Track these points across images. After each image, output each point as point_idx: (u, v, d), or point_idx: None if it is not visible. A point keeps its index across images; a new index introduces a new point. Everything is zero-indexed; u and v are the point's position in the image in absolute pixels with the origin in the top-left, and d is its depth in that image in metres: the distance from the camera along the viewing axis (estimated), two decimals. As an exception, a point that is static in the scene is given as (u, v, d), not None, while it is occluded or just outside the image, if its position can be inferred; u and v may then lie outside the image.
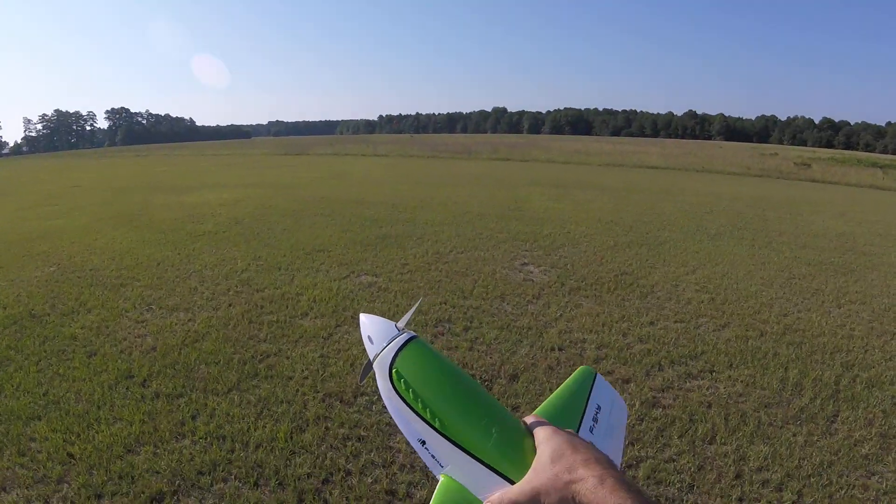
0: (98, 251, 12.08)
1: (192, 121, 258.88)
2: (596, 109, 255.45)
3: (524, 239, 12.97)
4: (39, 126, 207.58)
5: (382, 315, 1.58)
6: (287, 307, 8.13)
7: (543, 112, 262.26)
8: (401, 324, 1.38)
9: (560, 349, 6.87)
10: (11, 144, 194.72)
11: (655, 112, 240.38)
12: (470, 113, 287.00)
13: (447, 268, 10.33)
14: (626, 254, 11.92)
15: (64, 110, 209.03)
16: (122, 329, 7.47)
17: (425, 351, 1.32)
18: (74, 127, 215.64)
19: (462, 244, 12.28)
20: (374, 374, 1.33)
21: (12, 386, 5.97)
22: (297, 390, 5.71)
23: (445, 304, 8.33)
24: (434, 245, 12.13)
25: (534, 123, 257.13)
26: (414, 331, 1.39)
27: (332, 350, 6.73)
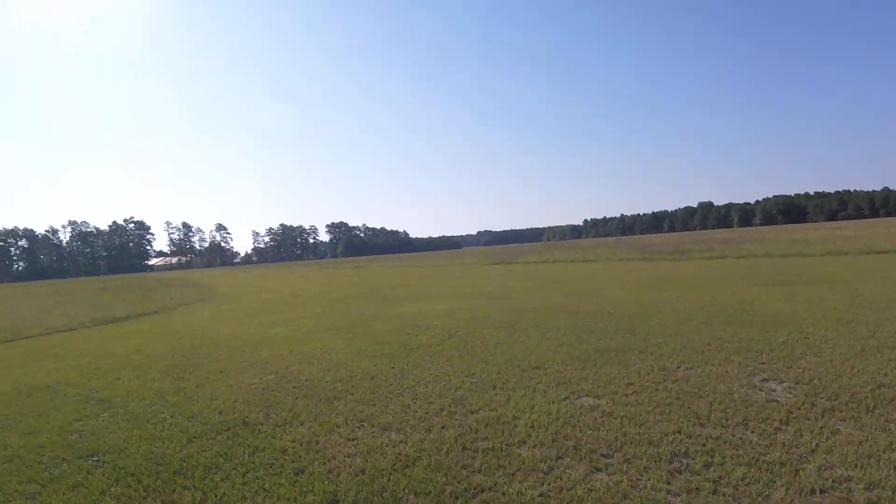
0: (315, 361, 12.53)
1: (405, 233, 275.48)
2: (807, 194, 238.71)
3: (758, 349, 11.56)
4: (267, 238, 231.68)
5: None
6: (503, 433, 7.64)
7: (752, 202, 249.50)
8: None
9: (822, 491, 5.70)
10: (242, 254, 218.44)
11: (870, 189, 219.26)
12: (675, 210, 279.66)
13: (677, 387, 9.33)
14: (878, 360, 10.12)
15: (289, 224, 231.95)
16: (332, 446, 7.39)
17: None
18: (299, 239, 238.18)
19: (690, 357, 11.18)
20: None
21: (216, 496, 6.03)
22: (516, 536, 5.15)
23: (679, 433, 7.37)
24: (659, 359, 11.15)
25: (743, 215, 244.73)
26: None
27: (554, 488, 6.09)
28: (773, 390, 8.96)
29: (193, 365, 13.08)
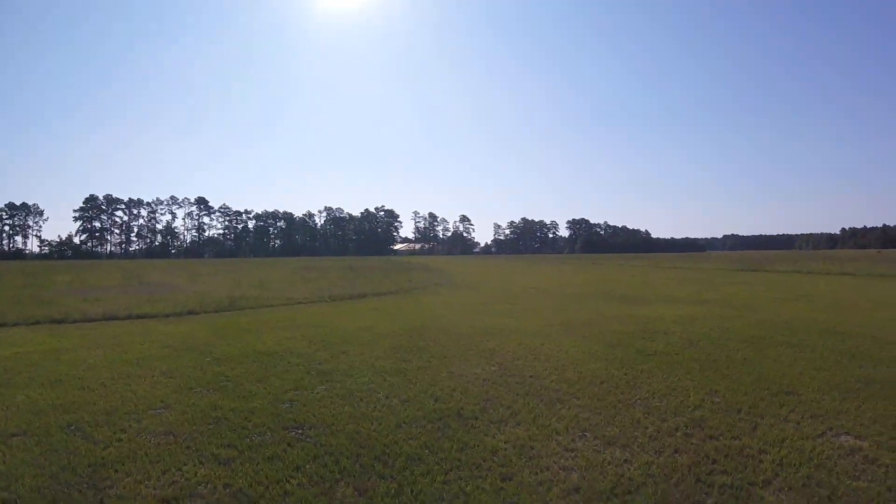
0: (542, 358, 11.90)
1: (647, 233, 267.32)
2: None
3: None
4: (507, 231, 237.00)
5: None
6: (745, 468, 6.40)
7: None
8: None
9: None
10: (482, 245, 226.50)
11: None
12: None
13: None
14: None
15: (530, 219, 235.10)
16: (548, 454, 6.66)
17: None
18: (538, 234, 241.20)
19: None
20: None
21: (412, 491, 5.67)
22: None
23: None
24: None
25: None
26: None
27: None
28: None
29: (419, 347, 13.06)
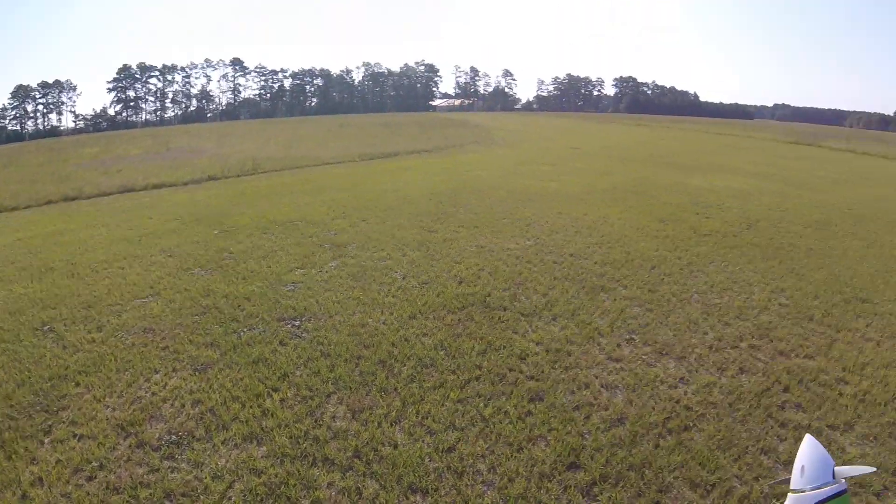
0: (584, 231, 10.71)
1: (696, 95, 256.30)
2: None
3: None
4: (551, 87, 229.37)
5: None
6: (823, 402, 5.07)
7: None
8: (842, 472, 1.54)
9: None
10: (523, 101, 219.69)
11: None
12: None
13: None
14: None
15: (575, 75, 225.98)
16: (587, 365, 5.53)
17: None
18: (583, 91, 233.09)
19: None
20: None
21: (442, 416, 4.55)
22: None
23: None
24: None
25: None
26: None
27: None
28: None
29: (447, 214, 11.85)
